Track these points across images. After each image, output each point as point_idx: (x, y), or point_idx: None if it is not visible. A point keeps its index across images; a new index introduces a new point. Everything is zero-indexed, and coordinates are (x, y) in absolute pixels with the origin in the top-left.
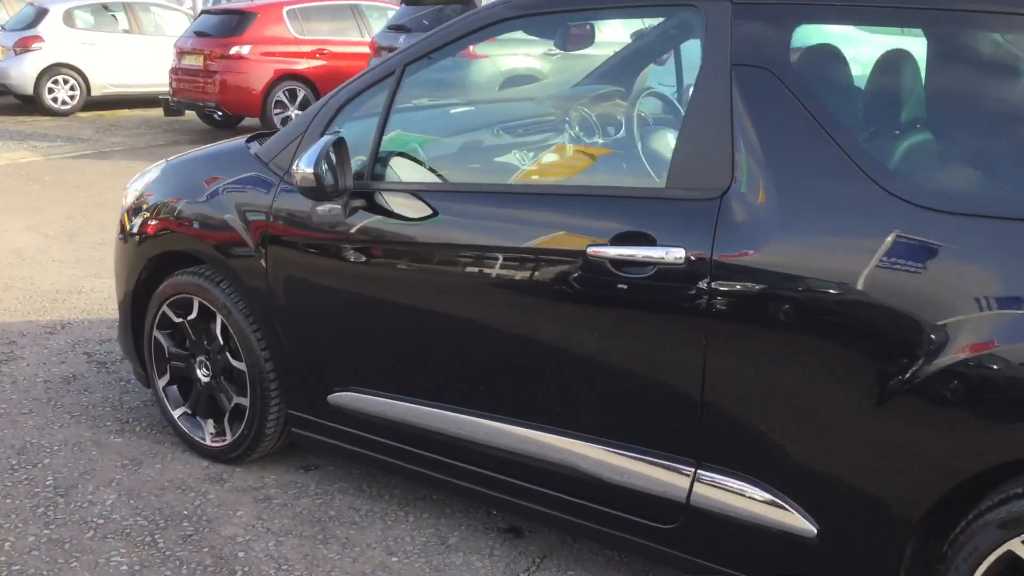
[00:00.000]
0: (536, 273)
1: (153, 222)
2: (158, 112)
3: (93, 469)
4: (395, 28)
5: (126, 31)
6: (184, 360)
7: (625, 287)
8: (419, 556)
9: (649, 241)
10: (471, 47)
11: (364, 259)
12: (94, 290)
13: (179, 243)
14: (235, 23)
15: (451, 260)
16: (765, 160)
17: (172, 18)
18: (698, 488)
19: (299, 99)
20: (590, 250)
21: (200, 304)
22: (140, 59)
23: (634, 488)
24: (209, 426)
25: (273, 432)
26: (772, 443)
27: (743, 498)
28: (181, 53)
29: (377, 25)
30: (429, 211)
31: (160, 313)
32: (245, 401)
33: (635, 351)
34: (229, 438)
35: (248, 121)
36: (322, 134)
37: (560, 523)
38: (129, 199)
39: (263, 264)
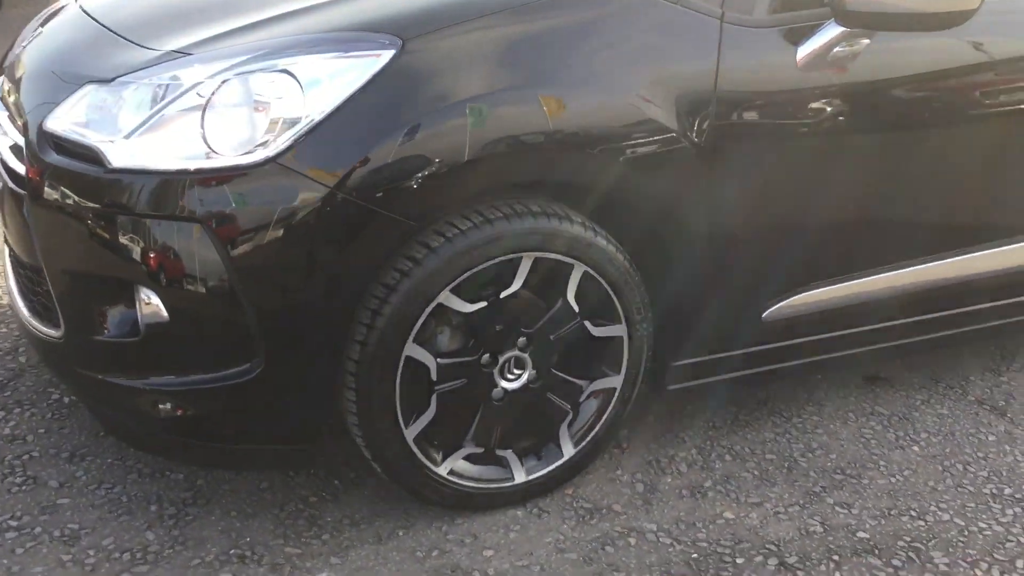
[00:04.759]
0: None
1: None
2: None
3: None
4: None
5: None
6: (469, 374)
7: None
8: None
9: None
10: None
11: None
12: None
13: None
14: None
15: None
16: None
17: None
18: None
19: None
20: None
21: (535, 262)
22: None
23: None
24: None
25: None
26: None
27: None
28: None
29: None
30: None
31: (433, 308)
32: (609, 382)
33: None
34: (568, 451)
35: None
36: None
37: None
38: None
39: (704, 166)
